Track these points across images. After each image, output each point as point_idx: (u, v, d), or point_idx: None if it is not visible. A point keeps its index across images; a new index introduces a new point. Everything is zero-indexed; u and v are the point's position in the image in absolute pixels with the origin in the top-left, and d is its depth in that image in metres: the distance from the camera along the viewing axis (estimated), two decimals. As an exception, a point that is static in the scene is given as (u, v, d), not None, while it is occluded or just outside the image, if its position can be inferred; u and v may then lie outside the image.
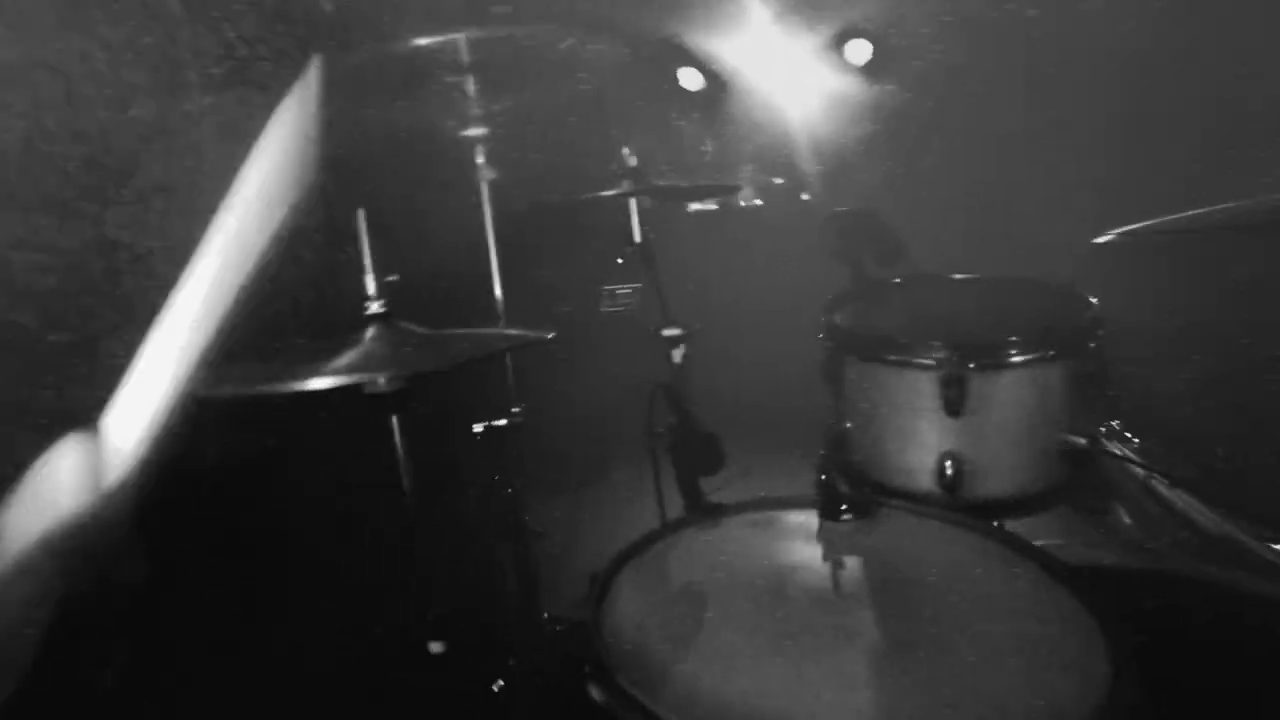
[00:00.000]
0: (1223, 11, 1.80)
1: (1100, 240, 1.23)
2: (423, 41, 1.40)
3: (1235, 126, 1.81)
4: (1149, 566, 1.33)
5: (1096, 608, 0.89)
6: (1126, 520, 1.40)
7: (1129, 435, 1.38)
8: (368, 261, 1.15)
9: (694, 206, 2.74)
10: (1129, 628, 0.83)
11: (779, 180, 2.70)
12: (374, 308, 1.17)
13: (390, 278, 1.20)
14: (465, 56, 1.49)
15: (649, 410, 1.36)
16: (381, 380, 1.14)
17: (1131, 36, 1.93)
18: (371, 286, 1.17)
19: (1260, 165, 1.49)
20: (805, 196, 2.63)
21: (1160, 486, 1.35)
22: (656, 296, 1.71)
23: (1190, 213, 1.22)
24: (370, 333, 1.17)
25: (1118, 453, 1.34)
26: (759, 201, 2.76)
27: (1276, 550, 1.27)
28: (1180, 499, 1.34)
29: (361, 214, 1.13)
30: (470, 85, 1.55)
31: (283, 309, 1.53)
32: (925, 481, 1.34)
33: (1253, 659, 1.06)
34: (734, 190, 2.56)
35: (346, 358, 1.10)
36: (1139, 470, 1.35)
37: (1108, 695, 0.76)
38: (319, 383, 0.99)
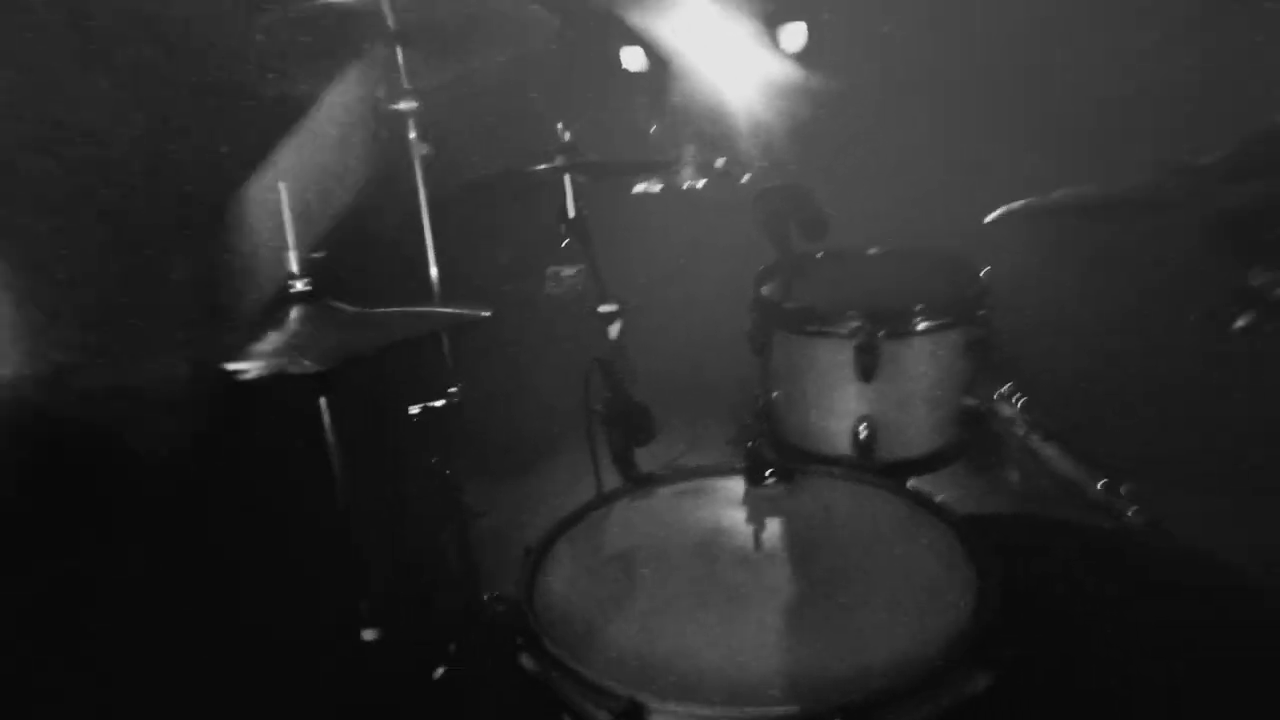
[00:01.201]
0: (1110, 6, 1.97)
1: (989, 218, 1.34)
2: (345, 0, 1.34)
3: (1106, 115, 1.99)
4: (1023, 512, 1.49)
5: (975, 551, 0.99)
6: (1013, 474, 1.55)
7: (1015, 397, 1.52)
8: (291, 238, 1.11)
9: (638, 188, 2.75)
10: (997, 564, 0.94)
11: (720, 161, 2.74)
12: (298, 286, 1.14)
13: (316, 254, 1.16)
14: (390, 20, 1.44)
15: (585, 386, 1.38)
16: (308, 361, 1.11)
17: (1029, 23, 2.08)
18: (294, 264, 1.13)
19: (1128, 150, 1.65)
20: (745, 178, 2.68)
21: (1036, 441, 1.49)
22: (593, 273, 1.72)
23: (1061, 193, 1.35)
24: (295, 312, 1.14)
25: (1005, 413, 1.47)
26: (700, 183, 2.79)
27: (1105, 490, 1.44)
28: (1048, 451, 1.50)
29: (283, 188, 1.09)
30: (399, 54, 1.49)
31: (204, 291, 1.46)
32: (843, 445, 1.42)
33: (1091, 579, 1.24)
34: (669, 167, 2.58)
35: (270, 340, 1.07)
36: (1021, 428, 1.49)
37: (970, 619, 0.86)
38: (240, 365, 0.96)
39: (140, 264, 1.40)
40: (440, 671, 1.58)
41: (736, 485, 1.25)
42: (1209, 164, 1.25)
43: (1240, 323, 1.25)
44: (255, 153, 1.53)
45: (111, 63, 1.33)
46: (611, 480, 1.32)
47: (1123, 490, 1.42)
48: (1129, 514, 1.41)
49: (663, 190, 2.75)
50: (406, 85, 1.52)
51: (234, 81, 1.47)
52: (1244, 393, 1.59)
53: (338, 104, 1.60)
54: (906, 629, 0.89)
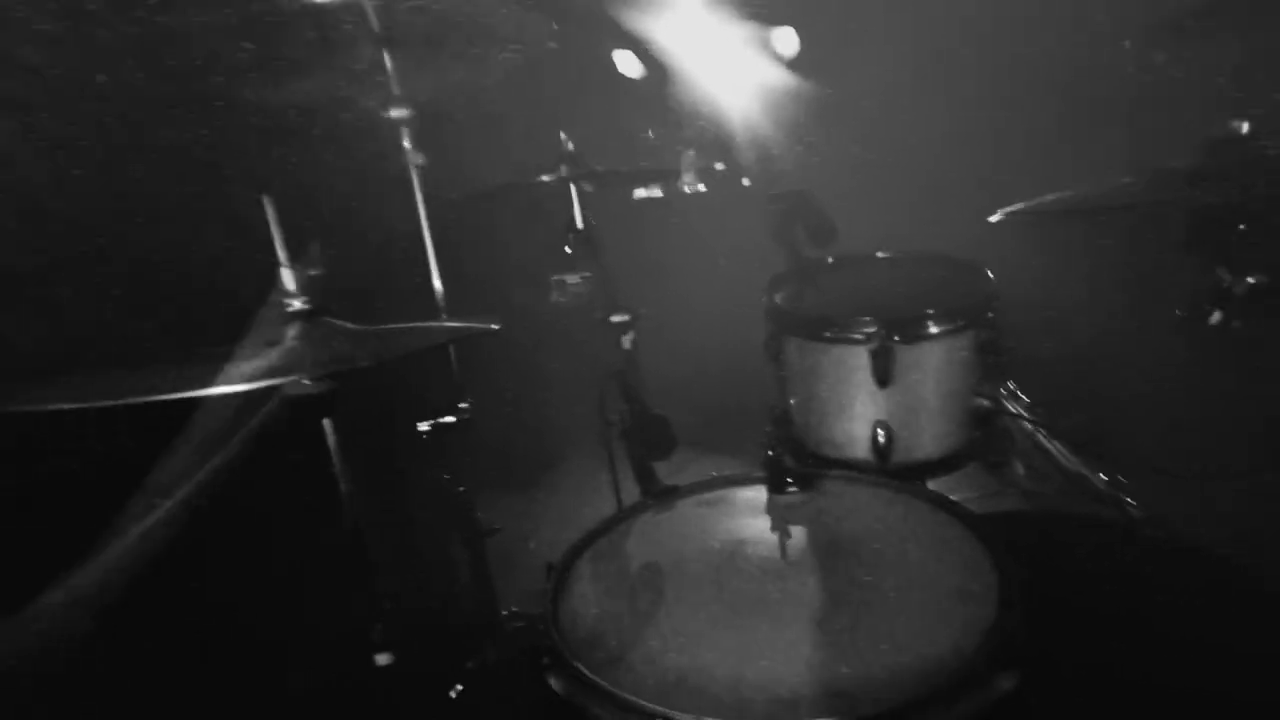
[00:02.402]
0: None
1: (993, 219, 1.35)
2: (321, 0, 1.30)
3: (1095, 118, 2.00)
4: (1033, 509, 1.50)
5: (995, 551, 0.99)
6: (1021, 471, 1.55)
7: (1021, 395, 1.52)
8: (282, 254, 1.08)
9: (639, 193, 2.73)
10: (1016, 562, 0.94)
11: (720, 165, 2.73)
12: (294, 304, 1.10)
13: (313, 271, 1.12)
14: (374, 23, 1.40)
15: (601, 398, 1.35)
16: (307, 381, 1.07)
17: (1024, 31, 2.09)
18: (289, 281, 1.09)
19: (1127, 151, 1.64)
20: (746, 182, 2.67)
21: (1043, 439, 1.49)
22: (603, 283, 1.69)
23: (1062, 194, 1.35)
24: (293, 331, 1.10)
25: (1013, 411, 1.48)
26: (702, 187, 2.77)
27: (1109, 483, 1.48)
28: (1055, 448, 1.50)
29: (268, 201, 1.05)
30: (387, 59, 1.45)
31: (198, 310, 1.43)
32: (861, 450, 1.41)
33: (1101, 570, 1.25)
34: (674, 175, 2.56)
35: (266, 359, 1.03)
36: (1028, 425, 1.50)
37: (995, 618, 0.87)
38: (235, 387, 0.93)
39: (127, 279, 1.36)
40: (457, 690, 1.54)
41: (758, 494, 1.23)
42: (1179, 167, 1.27)
43: (1213, 319, 1.28)
44: (237, 162, 1.49)
45: (90, 73, 1.30)
46: (629, 493, 1.28)
47: (1123, 484, 1.43)
48: (1131, 507, 1.42)
49: (664, 195, 2.73)
50: (397, 92, 1.48)
51: (210, 86, 1.42)
52: (1230, 387, 1.59)
53: (325, 111, 1.56)
54: (935, 633, 0.87)
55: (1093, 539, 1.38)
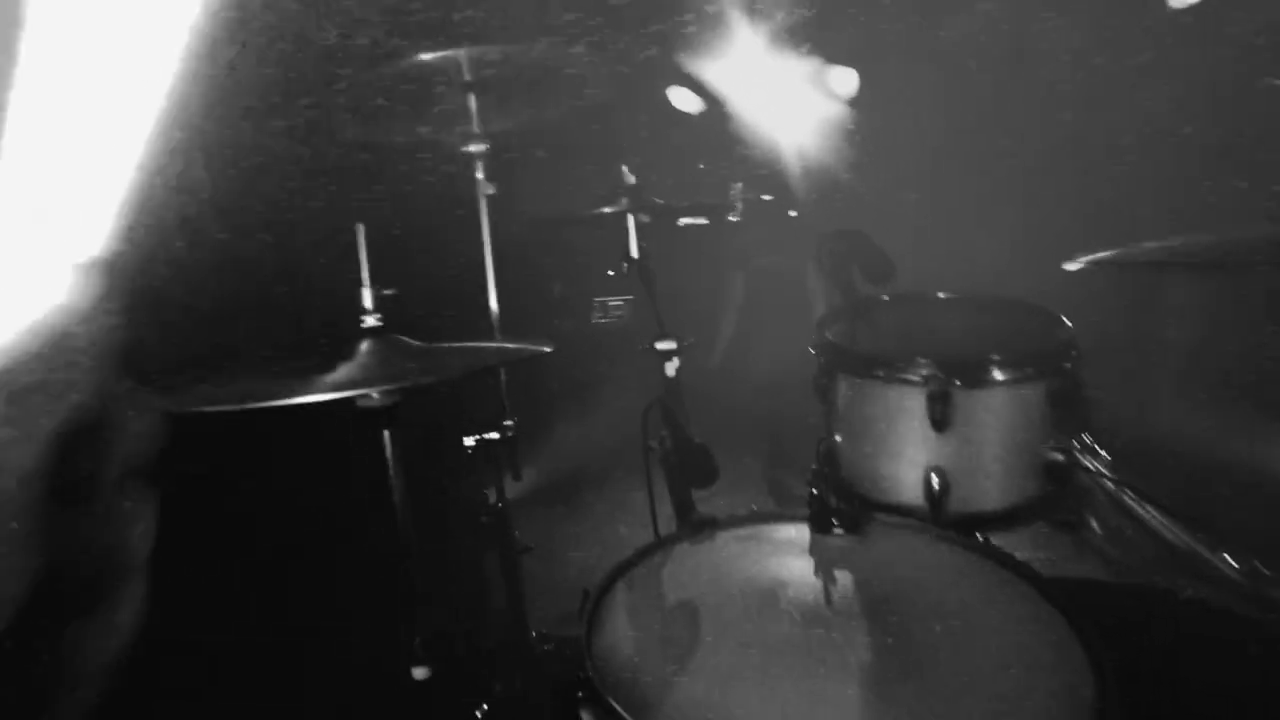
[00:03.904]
0: (1199, 46, 1.91)
1: (1070, 267, 1.28)
2: (426, 58, 1.42)
3: (1199, 162, 1.92)
4: (1118, 579, 1.37)
5: (1079, 625, 0.90)
6: (1098, 533, 1.44)
7: (1100, 450, 1.42)
8: (365, 275, 1.15)
9: (683, 221, 2.77)
10: (1106, 644, 0.84)
11: (767, 198, 2.75)
12: (369, 321, 1.17)
13: (387, 291, 1.20)
14: (466, 73, 1.52)
15: (643, 424, 1.36)
16: (375, 394, 1.13)
17: (1106, 70, 2.04)
18: (368, 300, 1.17)
19: (1223, 199, 1.57)
20: (793, 214, 2.68)
21: (1129, 500, 1.39)
22: (653, 311, 1.72)
23: (1150, 244, 1.28)
24: (364, 346, 1.17)
25: (1091, 467, 1.38)
26: (745, 218, 2.79)
27: (1232, 564, 1.30)
28: (1147, 512, 1.38)
29: (360, 228, 1.14)
30: (472, 101, 1.57)
31: (281, 324, 1.53)
32: (911, 495, 1.36)
33: (1211, 666, 1.10)
34: (729, 209, 2.60)
35: (341, 372, 1.09)
36: (1110, 484, 1.39)
37: (1090, 701, 0.78)
38: (314, 397, 0.98)
39: (226, 296, 1.47)
40: (483, 710, 1.55)
41: (800, 533, 1.20)
42: None
43: None
44: (336, 193, 1.62)
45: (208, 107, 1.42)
46: (666, 519, 1.29)
47: (1257, 569, 1.28)
48: (1266, 589, 1.26)
49: (710, 223, 2.77)
50: (476, 130, 1.59)
51: (319, 127, 1.56)
52: None
53: (415, 149, 1.69)
54: (1004, 705, 0.81)
55: (1205, 623, 1.21)
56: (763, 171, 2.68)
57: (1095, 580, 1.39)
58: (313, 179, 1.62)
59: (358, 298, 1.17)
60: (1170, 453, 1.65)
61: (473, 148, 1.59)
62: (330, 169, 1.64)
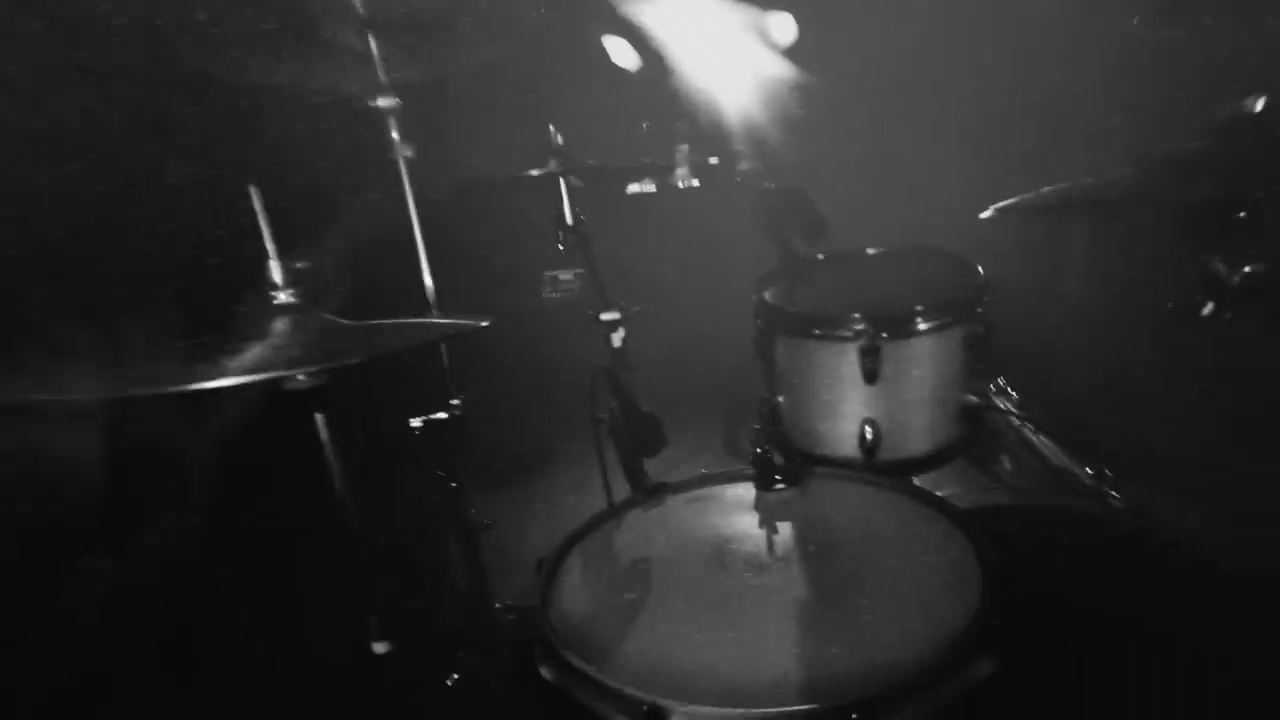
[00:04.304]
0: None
1: (984, 215, 1.33)
2: None
3: (1093, 107, 1.98)
4: (1018, 503, 1.52)
5: (976, 544, 1.01)
6: (1008, 466, 1.56)
7: (1010, 390, 1.52)
8: (270, 246, 1.07)
9: (633, 189, 2.71)
10: (997, 553, 0.97)
11: (714, 159, 2.71)
12: (282, 297, 1.09)
13: (299, 264, 1.11)
14: (359, 6, 1.35)
15: (590, 395, 1.35)
16: (301, 376, 1.07)
17: (1017, 15, 2.06)
18: (277, 273, 1.08)
19: (1113, 144, 1.64)
20: (739, 176, 2.65)
21: (1029, 433, 1.49)
22: (593, 280, 1.68)
23: (1057, 188, 1.34)
24: (279, 325, 1.10)
25: (1002, 407, 1.47)
26: (696, 182, 2.76)
27: (1094, 477, 1.49)
28: (1041, 442, 1.50)
29: (255, 191, 1.03)
30: (373, 44, 1.39)
31: (183, 301, 1.41)
32: (848, 447, 1.41)
33: (1081, 562, 1.27)
34: (668, 169, 2.55)
35: (253, 353, 1.03)
36: (1016, 421, 1.49)
37: (975, 611, 0.88)
38: (224, 381, 0.93)
39: (110, 269, 1.34)
40: (454, 678, 1.56)
41: (747, 491, 1.24)
42: (1180, 155, 1.25)
43: (1205, 311, 1.26)
44: (220, 150, 1.45)
45: (76, 58, 1.27)
46: (619, 490, 1.29)
47: (1107, 477, 1.44)
48: (1115, 500, 1.43)
49: (658, 190, 2.72)
50: (384, 79, 1.42)
51: (190, 71, 1.36)
52: (1218, 382, 1.60)
53: (308, 97, 1.51)
54: (916, 624, 0.89)
55: (1074, 531, 1.40)
56: (708, 131, 2.62)
57: (1000, 505, 1.52)
58: (201, 134, 1.43)
59: (264, 271, 1.07)
60: (1068, 384, 1.77)
61: (381, 101, 1.42)
62: (221, 123, 1.44)
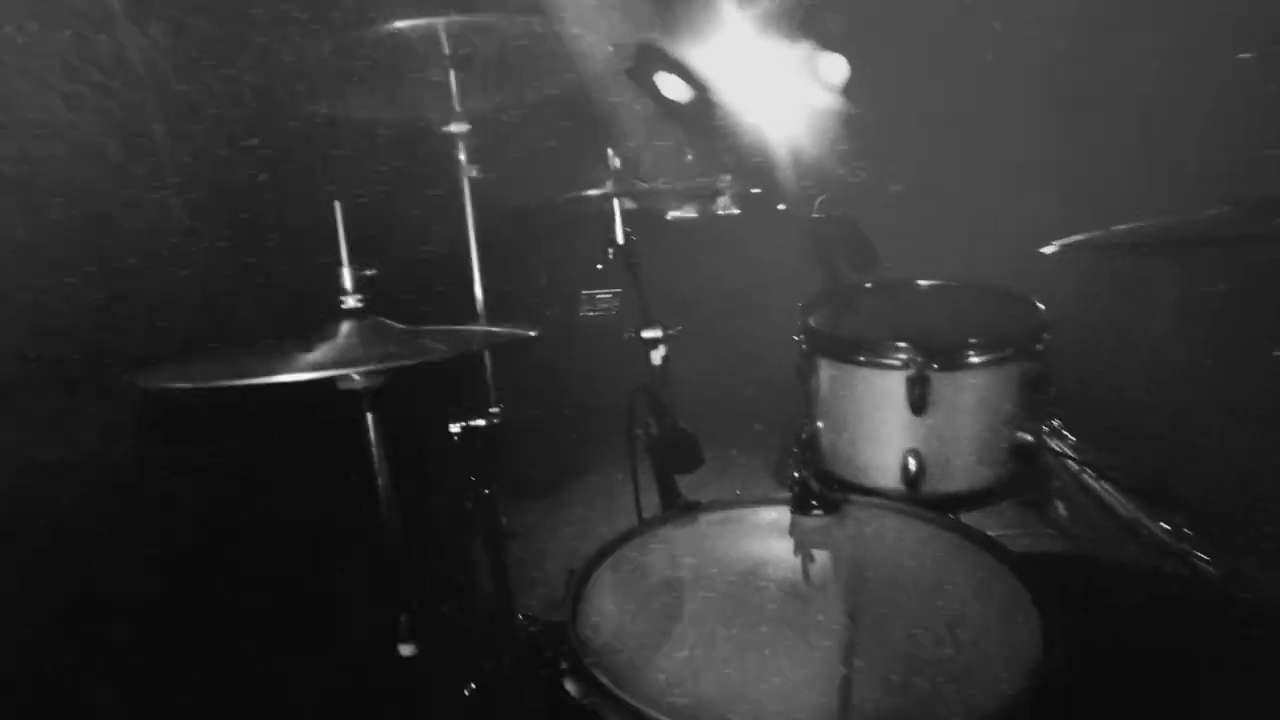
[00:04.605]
0: (1175, 27, 1.91)
1: (1046, 250, 1.31)
2: (401, 25, 1.40)
3: (1169, 144, 1.93)
4: (1077, 552, 1.43)
5: (1034, 591, 0.96)
6: (1063, 511, 1.49)
7: (1066, 433, 1.47)
8: (344, 255, 1.14)
9: (672, 214, 2.77)
10: (1059, 606, 0.91)
11: (757, 190, 2.75)
12: (350, 302, 1.16)
13: (368, 271, 1.19)
14: (445, 46, 1.49)
15: (629, 411, 1.37)
16: (357, 376, 1.13)
17: (1083, 58, 2.05)
18: (348, 280, 1.16)
19: (1196, 184, 1.59)
20: (782, 206, 2.68)
21: (1089, 479, 1.43)
22: (638, 298, 1.72)
23: (1121, 228, 1.31)
24: (346, 328, 1.16)
25: (1057, 449, 1.42)
26: (736, 210, 2.80)
27: (1170, 532, 1.39)
28: (1104, 490, 1.43)
29: (338, 206, 1.12)
30: (452, 78, 1.54)
31: (260, 304, 1.51)
32: (890, 478, 1.39)
33: (1155, 624, 1.18)
34: (717, 193, 2.60)
35: (321, 352, 1.09)
36: (1074, 465, 1.43)
37: (1036, 666, 0.83)
38: (292, 377, 0.98)
39: (197, 276, 1.46)
40: (471, 688, 1.56)
41: (781, 515, 1.22)
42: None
43: None
44: (311, 172, 1.59)
45: (169, 83, 1.40)
46: (650, 505, 1.30)
47: (1190, 533, 1.36)
48: (1199, 558, 1.34)
49: (699, 216, 2.77)
50: (458, 109, 1.56)
51: (290, 103, 1.53)
52: None
53: (393, 126, 1.66)
54: (972, 674, 0.85)
55: (1147, 589, 1.30)
56: (753, 162, 2.67)
57: (1055, 553, 1.44)
58: (285, 157, 1.58)
59: (337, 278, 1.15)
60: (1139, 431, 1.69)
61: (453, 128, 1.56)
62: (302, 146, 1.60)
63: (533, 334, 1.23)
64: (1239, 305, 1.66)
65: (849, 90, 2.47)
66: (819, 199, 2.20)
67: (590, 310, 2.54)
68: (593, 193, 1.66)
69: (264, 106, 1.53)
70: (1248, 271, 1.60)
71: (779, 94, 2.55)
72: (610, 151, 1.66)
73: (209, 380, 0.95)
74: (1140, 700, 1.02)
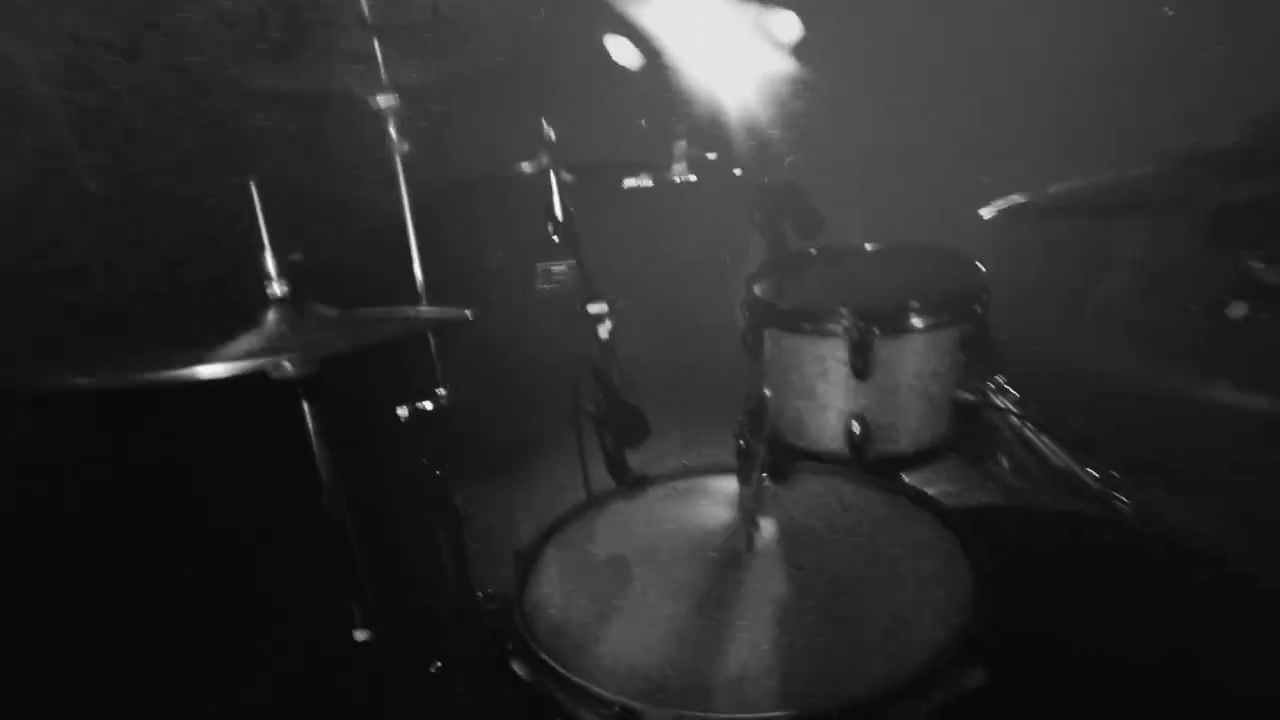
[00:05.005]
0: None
1: (985, 213, 1.32)
2: None
3: (1106, 105, 1.96)
4: (1013, 504, 1.50)
5: (967, 544, 1.00)
6: (1005, 465, 1.55)
7: (1009, 389, 1.51)
8: (265, 238, 1.09)
9: (629, 183, 2.71)
10: (989, 554, 0.95)
11: (712, 155, 2.71)
12: (275, 289, 1.11)
13: (294, 256, 1.13)
14: (366, 10, 1.40)
15: (575, 387, 1.36)
16: (288, 365, 1.09)
17: (1025, 12, 2.05)
18: (271, 265, 1.11)
19: (1128, 142, 1.63)
20: (738, 172, 2.65)
21: (1029, 433, 1.49)
22: (583, 273, 1.70)
23: (1066, 187, 1.33)
24: (272, 315, 1.11)
25: (1000, 405, 1.47)
26: (693, 177, 2.76)
27: (1099, 480, 1.45)
28: (1043, 444, 1.49)
29: (253, 185, 1.05)
30: (376, 46, 1.46)
31: (180, 292, 1.44)
32: (836, 442, 1.41)
33: (1082, 568, 1.24)
34: (659, 165, 2.55)
35: (246, 342, 1.05)
36: (1014, 420, 1.49)
37: (966, 616, 0.87)
38: (216, 369, 0.94)
39: (105, 265, 1.37)
40: (437, 665, 1.58)
41: (729, 485, 1.24)
42: (1214, 153, 1.20)
43: (1237, 312, 1.21)
44: (224, 149, 1.49)
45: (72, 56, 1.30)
46: (601, 481, 1.31)
47: (1114, 480, 1.44)
48: (1121, 503, 1.43)
49: (655, 185, 2.72)
50: (384, 79, 1.48)
51: (200, 73, 1.42)
52: (1243, 386, 1.58)
53: (312, 98, 1.56)
54: (903, 627, 0.88)
55: (1075, 534, 1.36)
56: (706, 128, 2.62)
57: (994, 505, 1.50)
58: (195, 129, 1.47)
59: (259, 263, 1.10)
60: (1070, 383, 1.76)
61: (381, 101, 1.48)
62: (218, 120, 1.49)
63: (469, 315, 1.20)
64: (1164, 261, 1.72)
65: (800, 50, 2.42)
66: (788, 159, 2.18)
67: (547, 284, 2.50)
68: (527, 167, 1.61)
69: (175, 78, 1.42)
70: (1176, 227, 1.64)
71: (731, 55, 2.49)
72: (544, 123, 1.60)
73: (135, 374, 0.90)
74: (1064, 641, 1.08)
